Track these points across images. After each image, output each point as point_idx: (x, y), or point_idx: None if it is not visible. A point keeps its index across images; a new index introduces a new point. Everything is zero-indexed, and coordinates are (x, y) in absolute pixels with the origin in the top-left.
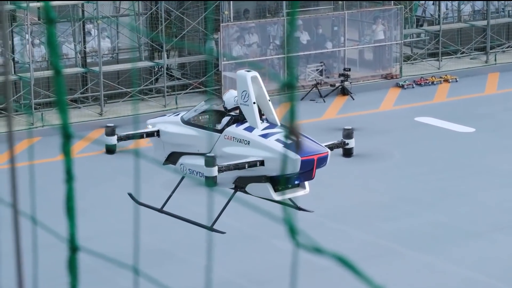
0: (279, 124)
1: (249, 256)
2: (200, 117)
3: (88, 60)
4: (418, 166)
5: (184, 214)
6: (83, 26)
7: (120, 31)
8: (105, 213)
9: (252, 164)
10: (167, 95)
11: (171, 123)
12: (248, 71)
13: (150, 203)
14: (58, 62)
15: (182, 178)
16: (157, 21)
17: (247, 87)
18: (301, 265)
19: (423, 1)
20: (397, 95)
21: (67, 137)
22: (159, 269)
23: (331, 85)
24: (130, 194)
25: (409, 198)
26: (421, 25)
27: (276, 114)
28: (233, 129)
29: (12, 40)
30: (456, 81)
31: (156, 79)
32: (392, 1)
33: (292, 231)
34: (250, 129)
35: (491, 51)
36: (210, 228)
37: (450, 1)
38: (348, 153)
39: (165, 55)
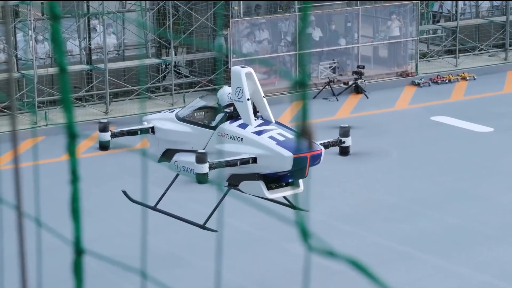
0: (273, 121)
1: (259, 260)
2: (195, 114)
3: (94, 57)
4: (434, 166)
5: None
6: (88, 22)
7: (126, 27)
8: (109, 214)
9: (244, 161)
10: (175, 93)
11: (166, 119)
12: (242, 67)
13: (145, 201)
14: (63, 59)
15: (177, 175)
16: (165, 16)
17: (242, 83)
18: (313, 269)
19: None
20: (412, 94)
21: (72, 136)
22: (167, 272)
23: (344, 83)
24: (124, 192)
25: (424, 199)
26: (438, 21)
27: (270, 110)
28: (227, 126)
29: (15, 36)
30: (474, 79)
31: (164, 77)
32: None
33: (304, 234)
34: (243, 126)
35: (510, 48)
36: (202, 227)
37: None
38: (344, 151)
39: (173, 52)
